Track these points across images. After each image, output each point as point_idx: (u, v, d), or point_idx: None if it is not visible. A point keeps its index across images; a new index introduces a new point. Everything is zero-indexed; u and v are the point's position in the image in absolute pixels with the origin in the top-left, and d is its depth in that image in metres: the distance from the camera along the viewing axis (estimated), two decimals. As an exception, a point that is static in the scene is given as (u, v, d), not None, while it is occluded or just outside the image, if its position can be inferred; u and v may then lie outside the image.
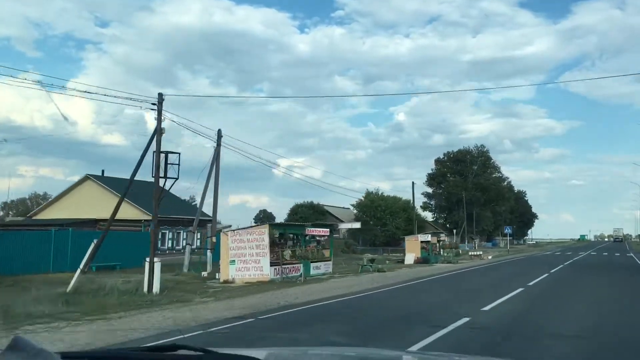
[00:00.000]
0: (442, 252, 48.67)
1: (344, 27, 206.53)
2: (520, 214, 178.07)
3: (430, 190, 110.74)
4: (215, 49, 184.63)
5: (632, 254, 62.97)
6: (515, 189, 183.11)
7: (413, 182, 64.70)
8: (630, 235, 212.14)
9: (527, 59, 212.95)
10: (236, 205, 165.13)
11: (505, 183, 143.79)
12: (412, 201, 65.18)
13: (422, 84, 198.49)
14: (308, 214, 66.39)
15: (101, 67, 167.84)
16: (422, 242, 46.62)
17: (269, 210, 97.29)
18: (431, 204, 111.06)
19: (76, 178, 50.48)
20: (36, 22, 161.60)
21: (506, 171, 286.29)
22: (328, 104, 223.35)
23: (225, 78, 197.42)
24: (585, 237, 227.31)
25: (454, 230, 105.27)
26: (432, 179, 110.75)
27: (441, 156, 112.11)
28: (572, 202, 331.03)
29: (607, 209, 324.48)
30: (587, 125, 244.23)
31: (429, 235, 49.35)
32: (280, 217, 79.37)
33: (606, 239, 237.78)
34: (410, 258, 45.20)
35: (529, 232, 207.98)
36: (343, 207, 68.72)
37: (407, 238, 47.98)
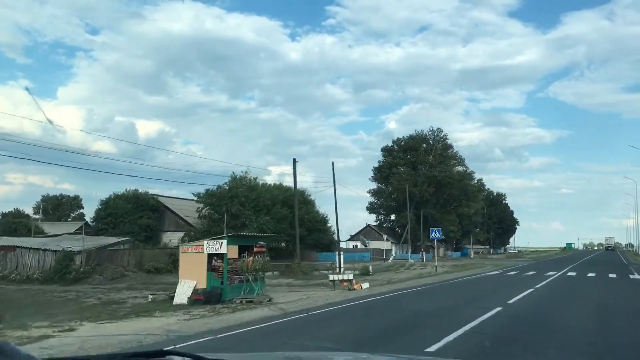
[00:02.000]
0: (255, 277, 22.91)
1: (335, 36, 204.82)
2: (499, 220, 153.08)
3: (378, 186, 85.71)
4: (206, 57, 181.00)
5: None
6: (494, 191, 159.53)
7: (294, 159, 39.54)
8: (620, 244, 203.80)
9: (517, 68, 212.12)
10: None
11: (476, 182, 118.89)
12: (294, 187, 40.06)
13: (413, 93, 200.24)
14: (126, 208, 41.88)
15: (91, 75, 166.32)
16: (213, 256, 21.52)
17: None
18: (377, 204, 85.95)
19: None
20: (26, 29, 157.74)
21: (497, 179, 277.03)
22: (319, 112, 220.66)
23: (216, 85, 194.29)
24: (573, 245, 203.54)
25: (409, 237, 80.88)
26: (378, 173, 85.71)
27: (390, 144, 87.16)
28: (561, 210, 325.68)
29: (596, 217, 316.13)
30: (577, 134, 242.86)
31: (230, 245, 23.50)
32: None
33: (595, 248, 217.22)
34: (185, 291, 20.40)
35: (512, 239, 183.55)
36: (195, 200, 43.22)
37: (182, 249, 22.49)
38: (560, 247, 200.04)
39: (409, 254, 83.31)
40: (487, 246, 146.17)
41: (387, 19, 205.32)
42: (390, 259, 67.94)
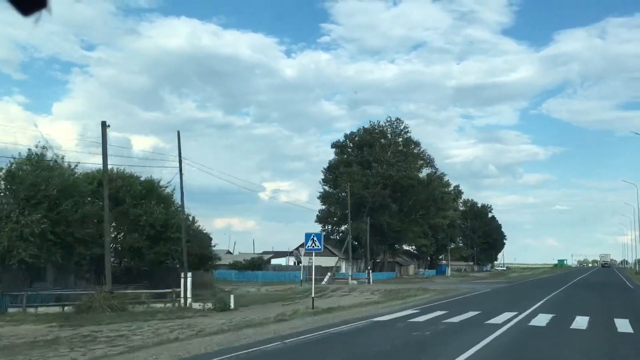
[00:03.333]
0: None
1: (330, 53, 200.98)
2: (484, 234, 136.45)
3: (325, 190, 69.35)
4: (202, 73, 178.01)
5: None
6: (479, 203, 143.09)
7: (103, 122, 23.79)
8: (615, 261, 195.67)
9: (511, 85, 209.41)
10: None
11: (452, 188, 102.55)
12: (104, 173, 23.92)
13: (408, 109, 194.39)
14: None
15: (87, 90, 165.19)
16: None
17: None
18: (325, 212, 69.50)
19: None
20: (22, 45, 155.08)
21: (492, 196, 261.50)
22: (315, 128, 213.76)
23: (212, 101, 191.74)
24: (565, 262, 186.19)
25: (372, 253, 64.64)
26: (329, 174, 69.60)
27: (342, 139, 70.94)
28: (556, 227, 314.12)
29: (591, 234, 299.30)
30: (571, 151, 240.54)
31: None
32: None
33: (590, 265, 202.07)
34: None
35: (500, 255, 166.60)
36: None
37: None
38: (552, 264, 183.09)
39: (362, 272, 66.96)
40: (471, 263, 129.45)
41: (382, 37, 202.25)
42: (325, 279, 51.78)
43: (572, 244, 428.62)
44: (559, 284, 40.81)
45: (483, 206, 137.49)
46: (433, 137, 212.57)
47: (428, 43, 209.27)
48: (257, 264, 56.05)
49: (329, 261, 66.88)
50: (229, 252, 70.45)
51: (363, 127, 68.39)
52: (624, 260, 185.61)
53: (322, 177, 69.56)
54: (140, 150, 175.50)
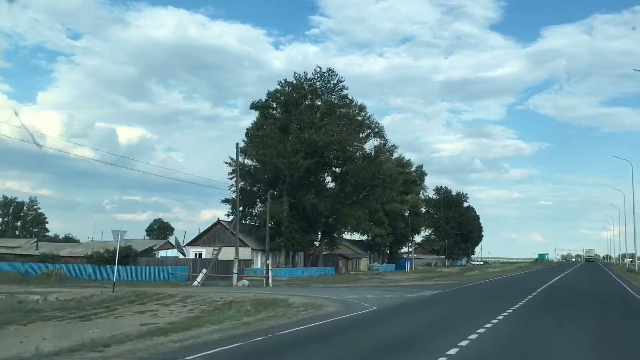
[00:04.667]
0: None
1: (319, 45, 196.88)
2: (458, 224, 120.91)
3: (232, 160, 52.65)
4: (189, 64, 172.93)
5: None
6: (452, 190, 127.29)
7: None
8: (599, 256, 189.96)
9: (498, 80, 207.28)
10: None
11: (415, 169, 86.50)
12: None
13: (396, 103, 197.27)
14: None
15: (72, 80, 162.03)
16: None
17: None
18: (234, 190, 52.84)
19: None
20: (7, 33, 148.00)
21: (477, 191, 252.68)
22: None
23: (199, 93, 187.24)
24: (546, 256, 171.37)
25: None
26: (250, 140, 52.76)
27: (264, 98, 54.32)
28: (540, 221, 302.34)
29: (574, 229, 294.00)
30: (556, 146, 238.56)
31: None
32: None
33: (573, 259, 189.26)
34: None
35: (477, 249, 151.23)
36: None
37: None
38: (533, 259, 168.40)
39: (287, 266, 50.85)
40: (442, 256, 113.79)
41: (371, 30, 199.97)
42: (199, 278, 35.60)
43: (556, 238, 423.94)
44: (524, 292, 24.73)
45: (458, 194, 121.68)
46: (420, 131, 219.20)
47: (416, 37, 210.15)
48: (124, 255, 40.07)
49: (243, 253, 50.87)
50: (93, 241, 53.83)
51: (287, 80, 51.91)
52: (607, 255, 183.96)
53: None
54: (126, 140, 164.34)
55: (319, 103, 51.29)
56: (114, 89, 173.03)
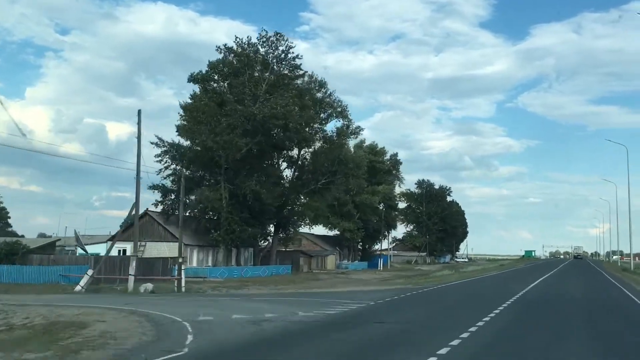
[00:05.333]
0: None
1: (309, 42, 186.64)
2: (441, 220, 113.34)
3: (174, 143, 44.33)
4: (178, 60, 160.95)
5: None
6: (435, 184, 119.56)
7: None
8: (587, 253, 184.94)
9: (487, 78, 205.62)
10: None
11: (389, 158, 78.50)
12: None
13: (385, 100, 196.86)
14: None
15: (60, 75, 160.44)
16: None
17: None
18: (164, 177, 44.54)
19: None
20: None
21: (466, 188, 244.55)
22: None
23: (189, 88, 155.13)
24: (533, 253, 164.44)
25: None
26: (188, 117, 43.96)
27: (205, 69, 45.89)
28: (528, 219, 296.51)
29: (562, 226, 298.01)
30: (545, 144, 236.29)
31: None
32: None
33: (561, 257, 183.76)
34: None
35: (462, 245, 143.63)
36: None
37: None
38: (520, 256, 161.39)
39: (227, 265, 42.79)
40: (423, 253, 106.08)
41: (361, 27, 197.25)
42: (83, 282, 27.34)
43: (544, 236, 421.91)
44: (490, 305, 16.78)
45: (441, 188, 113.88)
46: (410, 128, 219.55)
47: (406, 34, 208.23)
48: (7, 253, 31.86)
49: (173, 250, 42.80)
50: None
51: (228, 46, 43.56)
52: (595, 252, 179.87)
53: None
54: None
55: (267, 74, 43.14)
56: (103, 84, 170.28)
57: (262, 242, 52.09)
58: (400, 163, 74.55)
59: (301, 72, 44.52)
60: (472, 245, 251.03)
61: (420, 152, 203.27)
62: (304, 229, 64.40)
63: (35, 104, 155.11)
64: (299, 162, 51.23)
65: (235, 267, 43.89)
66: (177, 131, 43.56)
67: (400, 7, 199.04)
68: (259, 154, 43.65)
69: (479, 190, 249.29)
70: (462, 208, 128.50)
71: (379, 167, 68.38)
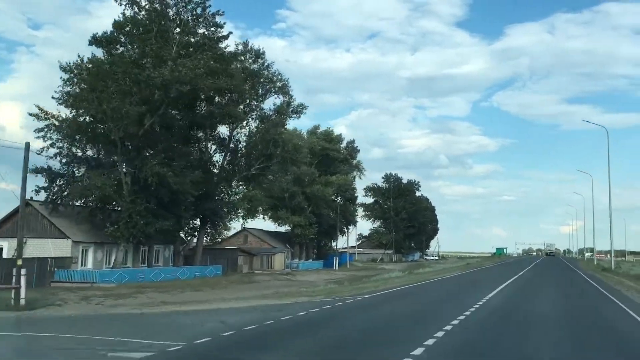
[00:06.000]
0: None
1: (286, 40, 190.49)
2: (409, 216, 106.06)
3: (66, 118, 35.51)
4: None
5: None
6: (402, 177, 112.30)
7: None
8: (559, 250, 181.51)
9: (463, 77, 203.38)
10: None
11: (345, 146, 70.77)
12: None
13: (362, 99, 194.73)
14: None
15: (32, 70, 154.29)
16: None
17: None
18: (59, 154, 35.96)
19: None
20: None
21: (442, 186, 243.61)
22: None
23: None
24: (505, 251, 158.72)
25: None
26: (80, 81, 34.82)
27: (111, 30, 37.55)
28: (502, 216, 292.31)
29: (535, 224, 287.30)
30: (519, 143, 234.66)
31: None
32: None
33: (534, 253, 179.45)
34: None
35: (433, 243, 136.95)
36: None
37: None
38: (491, 253, 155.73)
39: (119, 266, 34.37)
40: (389, 251, 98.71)
41: (338, 25, 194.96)
42: None
43: (517, 233, 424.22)
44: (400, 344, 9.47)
45: (409, 182, 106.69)
46: (386, 126, 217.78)
47: (383, 33, 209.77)
48: None
49: (61, 247, 34.23)
50: None
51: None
52: (567, 249, 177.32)
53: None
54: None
55: (178, 33, 34.85)
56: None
57: (189, 238, 43.96)
58: (358, 151, 66.94)
59: (224, 34, 36.32)
60: (448, 243, 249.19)
61: (397, 151, 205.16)
62: (250, 224, 56.65)
63: (6, 100, 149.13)
64: (231, 145, 43.16)
65: (142, 269, 35.58)
66: (59, 99, 33.85)
67: (376, 6, 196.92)
68: (170, 130, 35.42)
69: (454, 189, 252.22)
70: (435, 205, 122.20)
71: (334, 155, 60.63)
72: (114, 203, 34.87)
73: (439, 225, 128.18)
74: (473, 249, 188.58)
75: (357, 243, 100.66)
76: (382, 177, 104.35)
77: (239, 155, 43.06)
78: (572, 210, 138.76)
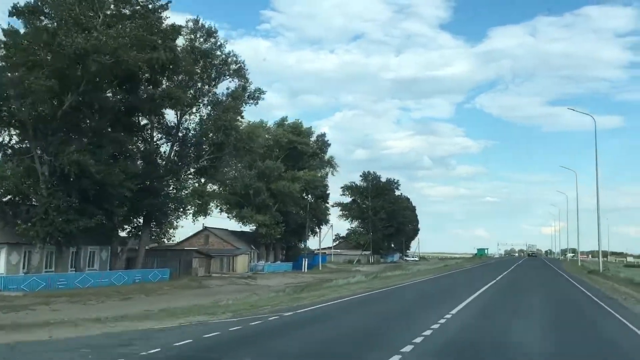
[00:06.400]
0: None
1: (270, 40, 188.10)
2: (388, 215, 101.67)
3: None
4: None
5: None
6: (380, 175, 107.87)
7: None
8: (541, 251, 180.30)
9: (447, 79, 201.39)
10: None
11: (315, 139, 66.18)
12: None
13: (347, 100, 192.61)
14: None
15: None
16: None
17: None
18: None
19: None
20: None
21: (425, 187, 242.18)
22: (253, 117, 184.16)
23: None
24: (486, 252, 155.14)
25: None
26: None
27: None
28: (485, 217, 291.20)
29: (517, 224, 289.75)
30: (501, 144, 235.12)
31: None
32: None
33: (516, 254, 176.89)
34: None
35: (414, 243, 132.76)
36: None
37: None
38: (473, 254, 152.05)
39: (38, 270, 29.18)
40: (367, 252, 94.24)
41: (322, 26, 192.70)
42: None
43: (500, 234, 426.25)
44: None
45: (388, 181, 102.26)
46: (371, 128, 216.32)
47: (367, 34, 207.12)
48: None
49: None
50: None
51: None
52: (549, 250, 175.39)
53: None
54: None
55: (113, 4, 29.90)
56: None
57: (131, 238, 38.89)
58: (329, 145, 62.14)
59: (162, 3, 31.33)
60: (430, 244, 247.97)
61: (381, 152, 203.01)
62: (212, 224, 51.90)
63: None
64: (180, 134, 38.26)
65: (65, 275, 30.50)
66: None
67: (361, 7, 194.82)
68: (101, 113, 30.36)
69: (438, 190, 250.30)
70: (418, 206, 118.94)
71: (302, 149, 55.87)
72: (31, 197, 29.75)
73: (419, 226, 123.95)
74: (456, 250, 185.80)
75: (335, 244, 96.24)
76: (360, 176, 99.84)
77: (189, 145, 38.16)
78: (554, 211, 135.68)
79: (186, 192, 38.17)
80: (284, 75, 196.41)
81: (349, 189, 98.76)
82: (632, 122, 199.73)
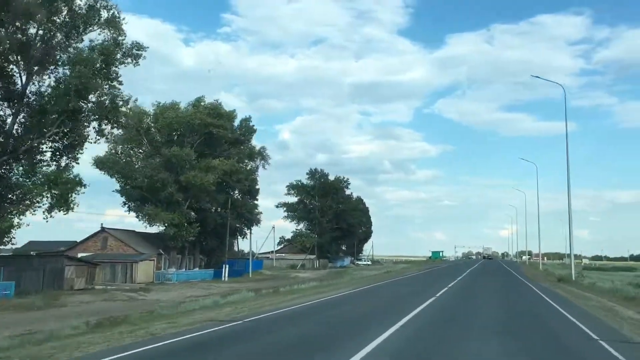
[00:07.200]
0: None
1: (230, 44, 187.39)
2: (336, 216, 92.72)
3: None
4: None
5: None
6: (328, 173, 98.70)
7: None
8: (497, 253, 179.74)
9: (406, 84, 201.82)
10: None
11: (241, 124, 56.50)
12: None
13: (307, 104, 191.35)
14: None
15: None
16: None
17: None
18: None
19: None
20: None
21: (386, 191, 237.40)
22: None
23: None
24: (441, 254, 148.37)
25: None
26: None
27: None
28: (444, 221, 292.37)
29: (475, 228, 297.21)
30: (459, 149, 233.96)
31: None
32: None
33: (473, 257, 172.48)
34: None
35: (367, 246, 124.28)
36: None
37: None
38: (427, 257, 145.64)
39: None
40: (312, 256, 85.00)
41: (283, 30, 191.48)
42: None
43: (458, 237, 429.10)
44: None
45: (337, 179, 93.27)
46: (331, 132, 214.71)
47: (327, 39, 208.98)
48: None
49: None
50: None
51: None
52: (505, 252, 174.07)
53: None
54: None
55: None
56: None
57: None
58: (254, 131, 52.55)
59: None
60: (389, 247, 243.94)
61: (341, 156, 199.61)
62: (111, 224, 40.95)
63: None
64: (26, 99, 28.11)
65: None
66: None
67: (321, 12, 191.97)
68: None
69: (397, 194, 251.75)
70: (379, 209, 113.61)
71: (220, 134, 46.08)
72: None
73: (373, 228, 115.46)
74: (414, 253, 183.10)
75: (278, 247, 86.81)
76: (307, 173, 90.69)
77: (39, 112, 28.03)
78: (512, 213, 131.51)
79: (36, 178, 28.02)
80: (244, 79, 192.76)
81: (294, 187, 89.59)
82: (584, 127, 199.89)
